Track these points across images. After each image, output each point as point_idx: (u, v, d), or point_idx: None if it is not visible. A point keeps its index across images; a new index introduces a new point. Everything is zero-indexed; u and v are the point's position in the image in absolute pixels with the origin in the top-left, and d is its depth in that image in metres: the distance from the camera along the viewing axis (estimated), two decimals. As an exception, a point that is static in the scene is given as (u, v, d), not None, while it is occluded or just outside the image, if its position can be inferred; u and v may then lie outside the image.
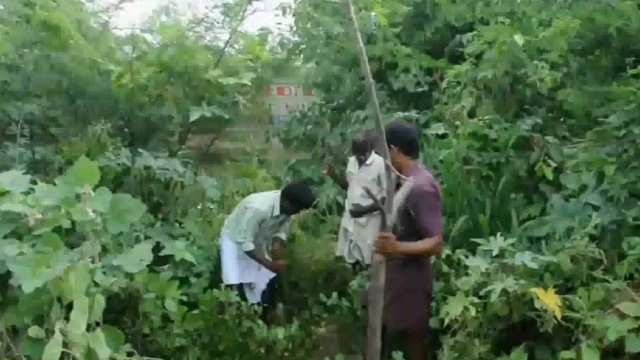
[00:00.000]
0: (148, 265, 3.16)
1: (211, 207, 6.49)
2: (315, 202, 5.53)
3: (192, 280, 4.58)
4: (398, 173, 2.93)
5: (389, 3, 7.06)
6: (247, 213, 4.94)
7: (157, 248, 4.36)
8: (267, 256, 5.24)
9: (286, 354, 4.28)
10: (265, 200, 5.02)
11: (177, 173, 5.19)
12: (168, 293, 3.77)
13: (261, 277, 5.17)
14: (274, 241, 5.27)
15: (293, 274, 5.56)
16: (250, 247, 4.93)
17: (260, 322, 4.23)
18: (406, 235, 3.33)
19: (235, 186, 7.07)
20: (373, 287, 3.01)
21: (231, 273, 4.97)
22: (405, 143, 3.55)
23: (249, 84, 5.46)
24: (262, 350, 4.18)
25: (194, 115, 5.21)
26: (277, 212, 4.99)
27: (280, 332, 4.19)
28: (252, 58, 5.90)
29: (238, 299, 4.27)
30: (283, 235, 5.28)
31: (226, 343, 4.14)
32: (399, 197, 2.99)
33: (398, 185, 3.01)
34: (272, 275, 5.19)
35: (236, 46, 6.31)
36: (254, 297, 5.00)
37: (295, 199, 4.98)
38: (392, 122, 3.54)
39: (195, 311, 4.08)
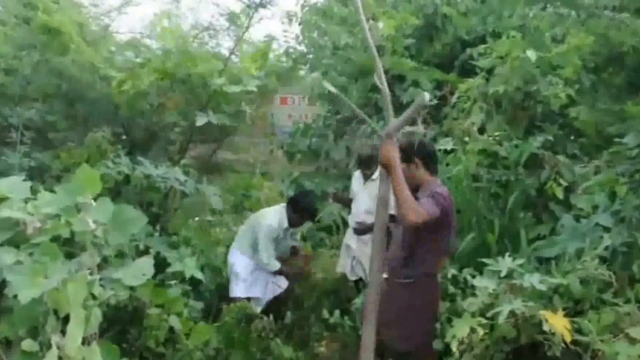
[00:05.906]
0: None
1: (210, 219, 6.40)
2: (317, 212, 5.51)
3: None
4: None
5: (398, 14, 7.02)
6: (260, 233, 4.91)
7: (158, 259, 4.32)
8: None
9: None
10: (274, 215, 5.03)
11: (178, 182, 5.12)
12: (173, 309, 3.72)
13: (268, 292, 5.14)
14: (292, 252, 5.31)
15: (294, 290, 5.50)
16: (277, 266, 4.97)
17: (278, 340, 4.23)
18: (417, 250, 3.35)
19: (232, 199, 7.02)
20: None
21: (239, 286, 4.95)
22: (427, 157, 3.47)
23: (255, 89, 5.42)
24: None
25: (200, 122, 5.16)
26: (286, 224, 5.01)
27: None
28: (256, 67, 5.84)
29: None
30: (295, 242, 5.34)
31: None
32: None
33: None
34: (278, 291, 5.15)
35: (239, 54, 6.26)
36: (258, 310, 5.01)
37: (300, 208, 5.01)
38: (412, 136, 3.41)
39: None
